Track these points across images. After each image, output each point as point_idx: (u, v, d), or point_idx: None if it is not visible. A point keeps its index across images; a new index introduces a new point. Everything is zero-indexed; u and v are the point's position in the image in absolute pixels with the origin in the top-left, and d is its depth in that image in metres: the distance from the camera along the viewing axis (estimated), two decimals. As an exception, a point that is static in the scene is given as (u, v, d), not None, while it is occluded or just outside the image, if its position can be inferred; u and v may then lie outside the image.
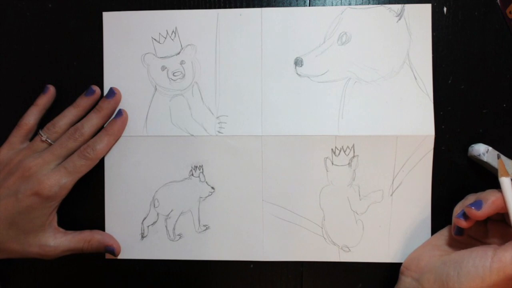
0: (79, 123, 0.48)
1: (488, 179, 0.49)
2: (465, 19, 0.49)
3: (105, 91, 0.50)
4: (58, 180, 0.46)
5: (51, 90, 0.50)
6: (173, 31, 0.50)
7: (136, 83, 0.50)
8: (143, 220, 0.51)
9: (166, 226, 0.50)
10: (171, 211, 0.50)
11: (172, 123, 0.50)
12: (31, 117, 0.49)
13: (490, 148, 0.47)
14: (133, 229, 0.51)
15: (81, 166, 0.47)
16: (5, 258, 0.47)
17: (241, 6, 0.49)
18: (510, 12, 0.48)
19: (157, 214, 0.50)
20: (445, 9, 0.49)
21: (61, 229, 0.49)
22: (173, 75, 0.50)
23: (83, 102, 0.49)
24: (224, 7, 0.49)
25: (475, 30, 0.49)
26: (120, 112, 0.49)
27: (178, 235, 0.50)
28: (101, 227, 0.51)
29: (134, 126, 0.50)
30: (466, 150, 0.49)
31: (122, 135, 0.50)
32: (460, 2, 0.49)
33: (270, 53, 0.49)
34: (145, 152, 0.50)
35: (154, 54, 0.50)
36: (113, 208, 0.51)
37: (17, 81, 0.48)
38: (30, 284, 0.52)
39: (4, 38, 0.51)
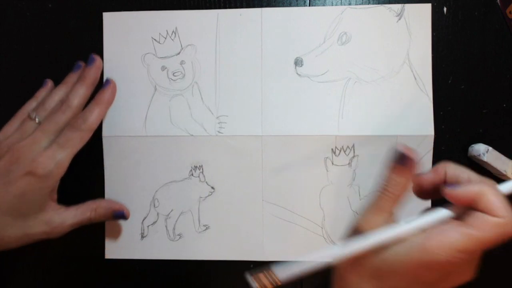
0: (65, 96, 0.46)
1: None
2: (465, 19, 0.49)
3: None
4: (51, 156, 0.43)
5: (49, 84, 0.49)
6: (173, 31, 0.50)
7: (136, 83, 0.50)
8: (143, 220, 0.51)
9: (166, 226, 0.50)
10: (171, 211, 0.50)
11: (172, 123, 0.50)
12: (29, 108, 0.47)
13: (490, 148, 0.47)
14: (133, 229, 0.51)
15: (74, 138, 0.44)
16: (5, 249, 0.44)
17: (241, 6, 0.49)
18: (510, 12, 0.48)
19: (157, 214, 0.50)
20: (445, 9, 0.49)
21: (62, 206, 0.46)
22: (173, 75, 0.50)
23: (71, 78, 0.48)
24: (224, 7, 0.49)
25: (475, 30, 0.49)
26: (108, 81, 0.48)
27: (178, 235, 0.50)
28: (101, 226, 0.51)
29: (133, 126, 0.50)
30: (466, 150, 0.49)
31: (122, 135, 0.50)
32: (460, 2, 0.49)
33: (270, 53, 0.49)
34: (145, 152, 0.50)
35: (154, 54, 0.50)
36: (113, 208, 0.51)
37: (17, 81, 0.48)
38: (30, 284, 0.52)
39: (4, 38, 0.51)
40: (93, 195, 0.50)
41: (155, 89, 0.50)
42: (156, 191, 0.50)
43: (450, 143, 0.49)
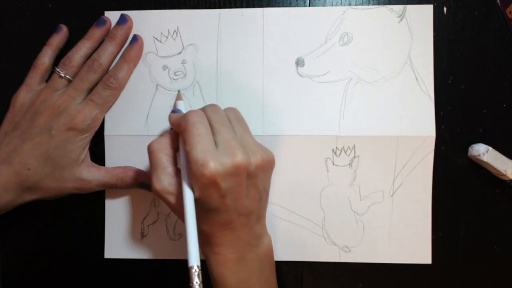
0: (95, 54, 0.48)
1: (488, 179, 0.49)
2: (465, 19, 0.49)
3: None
4: (89, 112, 0.46)
5: (64, 30, 0.49)
6: (174, 31, 0.49)
7: (137, 82, 0.50)
8: (143, 220, 0.51)
9: (166, 226, 0.50)
10: (172, 210, 0.50)
11: (173, 123, 0.50)
12: (46, 57, 0.48)
13: (490, 148, 0.47)
14: (133, 229, 0.50)
15: (107, 96, 0.47)
16: (40, 199, 0.47)
17: (241, 6, 0.49)
18: (510, 12, 0.48)
19: (158, 213, 0.50)
20: (445, 9, 0.49)
21: (94, 164, 0.49)
22: (175, 75, 0.50)
23: (96, 33, 0.48)
24: (224, 7, 0.49)
25: (475, 30, 0.49)
26: (135, 38, 0.49)
27: (179, 234, 0.50)
28: (101, 226, 0.51)
29: (135, 125, 0.50)
30: (466, 150, 0.49)
31: (123, 134, 0.50)
32: (460, 2, 0.49)
33: (271, 53, 0.49)
34: (145, 151, 0.49)
35: (155, 54, 0.50)
36: (113, 207, 0.51)
37: (17, 81, 0.48)
38: (30, 283, 0.52)
39: (4, 38, 0.51)
40: (93, 194, 0.50)
41: (157, 89, 0.50)
42: (157, 190, 0.50)
43: (450, 143, 0.49)
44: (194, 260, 0.37)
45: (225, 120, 0.42)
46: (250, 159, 0.39)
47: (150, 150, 0.42)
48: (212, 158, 0.37)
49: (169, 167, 0.41)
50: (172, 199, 0.41)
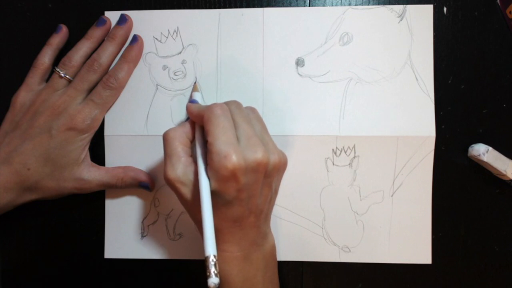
0: (95, 54, 0.48)
1: (488, 179, 0.49)
2: (465, 19, 0.49)
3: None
4: (89, 112, 0.46)
5: (64, 30, 0.49)
6: (174, 31, 0.49)
7: (138, 82, 0.50)
8: (143, 220, 0.51)
9: (166, 226, 0.50)
10: (172, 210, 0.50)
11: (173, 123, 0.50)
12: (46, 57, 0.48)
13: (490, 148, 0.47)
14: (133, 229, 0.51)
15: (107, 97, 0.47)
16: (40, 199, 0.47)
17: (241, 6, 0.49)
18: (510, 12, 0.48)
19: (158, 213, 0.50)
20: (445, 9, 0.49)
21: (94, 164, 0.49)
22: (175, 75, 0.50)
23: (96, 33, 0.49)
24: (224, 7, 0.49)
25: (475, 30, 0.49)
26: (136, 38, 0.49)
27: (179, 234, 0.50)
28: (101, 226, 0.51)
29: (135, 125, 0.50)
30: (466, 150, 0.49)
31: (123, 134, 0.50)
32: (460, 2, 0.49)
33: (271, 53, 0.49)
34: (146, 151, 0.50)
35: (155, 54, 0.50)
36: (113, 208, 0.51)
37: (17, 81, 0.48)
38: (30, 283, 0.52)
39: (4, 38, 0.51)
40: (93, 194, 0.50)
41: (157, 89, 0.50)
42: (157, 190, 0.50)
43: (450, 143, 0.49)
44: (211, 250, 0.37)
45: (247, 116, 0.42)
46: (270, 157, 0.39)
47: (166, 138, 0.42)
48: (235, 151, 0.38)
49: (184, 157, 0.41)
50: (184, 189, 0.41)
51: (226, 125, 0.39)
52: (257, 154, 0.38)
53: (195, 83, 0.49)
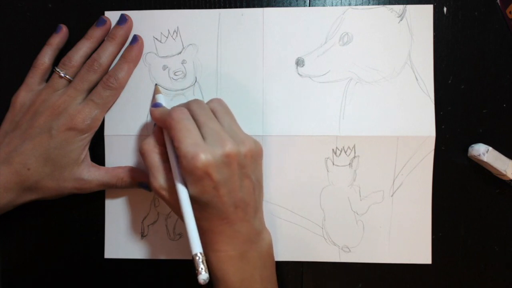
0: (95, 54, 0.48)
1: (488, 179, 0.49)
2: (465, 19, 0.49)
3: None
4: (89, 112, 0.46)
5: (64, 30, 0.49)
6: (174, 31, 0.49)
7: (138, 82, 0.50)
8: (143, 220, 0.51)
9: (166, 226, 0.50)
10: (171, 210, 0.50)
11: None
12: (46, 57, 0.48)
13: (490, 148, 0.48)
14: (133, 229, 0.50)
15: (107, 97, 0.47)
16: (40, 199, 0.47)
17: (241, 6, 0.49)
18: (510, 12, 0.48)
19: (158, 213, 0.50)
20: (445, 9, 0.49)
21: (94, 164, 0.49)
22: (175, 75, 0.50)
23: (96, 33, 0.49)
24: (224, 7, 0.49)
25: (475, 30, 0.49)
26: (136, 38, 0.49)
27: (179, 234, 0.50)
28: (101, 226, 0.51)
29: (135, 125, 0.50)
30: (466, 150, 0.49)
31: (123, 134, 0.50)
32: (460, 2, 0.49)
33: (271, 53, 0.49)
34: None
35: (155, 54, 0.50)
36: (113, 208, 0.51)
37: (17, 81, 0.48)
38: (30, 283, 0.52)
39: (4, 38, 0.51)
40: (93, 194, 0.50)
41: (157, 89, 0.50)
42: (157, 190, 0.50)
43: (450, 143, 0.49)
44: (197, 248, 0.38)
45: (209, 113, 0.42)
46: (240, 148, 0.40)
47: (142, 152, 0.43)
48: (202, 150, 0.38)
49: (162, 165, 0.42)
50: (168, 195, 0.42)
51: (188, 127, 0.40)
52: (225, 147, 0.39)
53: (156, 85, 0.49)
